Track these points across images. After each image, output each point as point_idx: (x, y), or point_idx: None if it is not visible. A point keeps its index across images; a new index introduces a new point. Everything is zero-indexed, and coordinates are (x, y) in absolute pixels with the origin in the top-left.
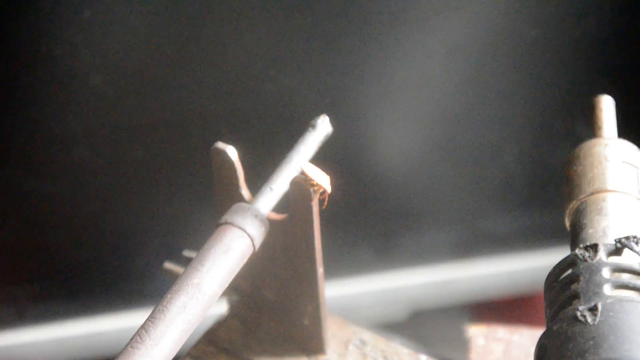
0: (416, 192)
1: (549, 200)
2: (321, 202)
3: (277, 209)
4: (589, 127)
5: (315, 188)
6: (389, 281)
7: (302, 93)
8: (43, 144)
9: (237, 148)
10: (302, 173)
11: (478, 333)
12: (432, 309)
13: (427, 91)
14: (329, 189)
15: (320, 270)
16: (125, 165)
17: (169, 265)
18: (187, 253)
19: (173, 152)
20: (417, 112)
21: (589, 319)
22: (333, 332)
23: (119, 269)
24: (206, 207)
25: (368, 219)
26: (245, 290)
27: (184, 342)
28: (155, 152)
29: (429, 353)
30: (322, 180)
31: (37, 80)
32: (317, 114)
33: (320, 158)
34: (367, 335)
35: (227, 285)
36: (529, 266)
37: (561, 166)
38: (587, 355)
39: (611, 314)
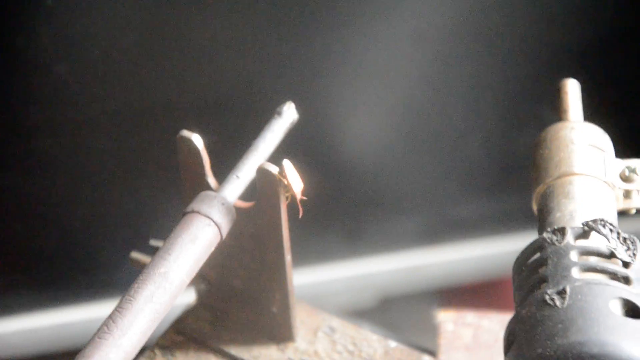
0: (383, 179)
1: (515, 185)
2: (295, 209)
3: (244, 197)
4: (554, 112)
5: (286, 187)
6: (358, 268)
7: (267, 81)
8: (5, 135)
9: (202, 136)
10: (280, 168)
11: (447, 318)
12: (400, 296)
13: (393, 79)
14: (297, 195)
15: (287, 257)
16: (89, 155)
17: (135, 254)
18: (153, 242)
19: (137, 141)
20: (384, 100)
21: (558, 303)
22: (302, 319)
23: (85, 259)
24: (172, 196)
25: (336, 206)
26: (213, 279)
27: (152, 331)
28: (119, 141)
29: (398, 339)
30: (295, 183)
31: None
32: (283, 101)
33: (287, 146)
34: (336, 322)
35: (194, 274)
36: (497, 251)
37: (527, 151)
38: (556, 338)
39: (579, 297)
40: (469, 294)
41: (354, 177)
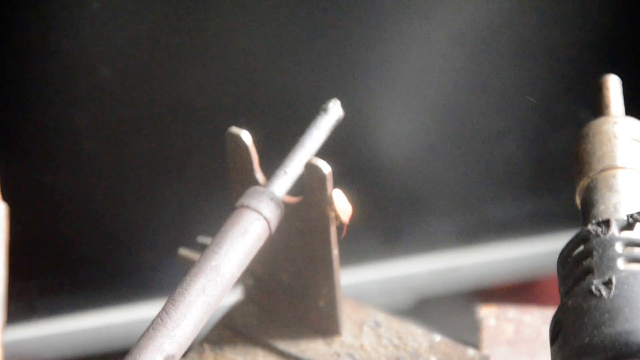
0: (421, 179)
1: (552, 184)
2: (339, 229)
3: (290, 192)
4: (591, 111)
5: (334, 214)
6: (395, 269)
7: (309, 81)
8: (52, 137)
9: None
10: (330, 197)
11: (489, 314)
12: (437, 297)
13: (430, 79)
14: (345, 220)
15: (335, 251)
16: (134, 157)
17: (183, 251)
18: (201, 239)
19: (181, 142)
20: (421, 100)
21: (604, 293)
22: (347, 314)
23: (129, 260)
24: (215, 195)
25: (373, 207)
26: (260, 274)
27: (204, 323)
28: (163, 143)
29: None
30: (344, 209)
31: (45, 74)
32: (324, 100)
33: (325, 144)
34: (381, 317)
35: (244, 268)
36: (534, 251)
37: (564, 151)
38: (603, 328)
39: (625, 287)
40: (506, 295)
41: (391, 177)
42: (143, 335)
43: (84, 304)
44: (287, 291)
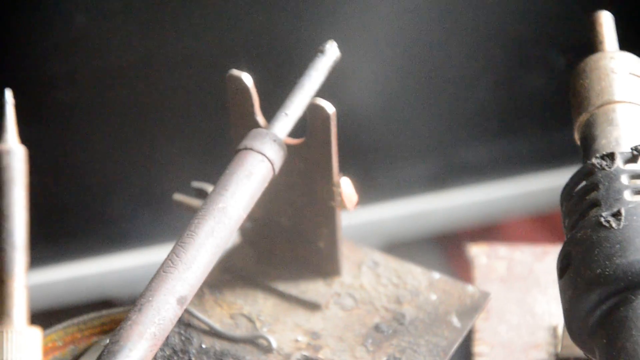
0: (392, 125)
1: (522, 127)
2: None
3: (291, 134)
4: (562, 55)
5: (339, 199)
6: (367, 215)
7: (292, 27)
8: (26, 86)
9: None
10: (337, 183)
11: (480, 252)
12: (409, 241)
13: (402, 24)
14: (351, 208)
15: (337, 191)
16: (110, 107)
17: (178, 196)
18: (195, 184)
19: (157, 92)
20: (391, 46)
21: (614, 224)
22: (345, 255)
23: (105, 212)
24: (188, 144)
25: (345, 154)
26: (259, 217)
27: (213, 265)
28: (139, 92)
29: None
30: (350, 198)
31: (19, 22)
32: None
33: (276, 93)
34: (379, 257)
35: (250, 209)
36: (504, 194)
37: (534, 93)
38: (614, 258)
39: (635, 217)
40: (476, 237)
41: (362, 124)
42: (154, 277)
43: (60, 255)
44: (286, 233)
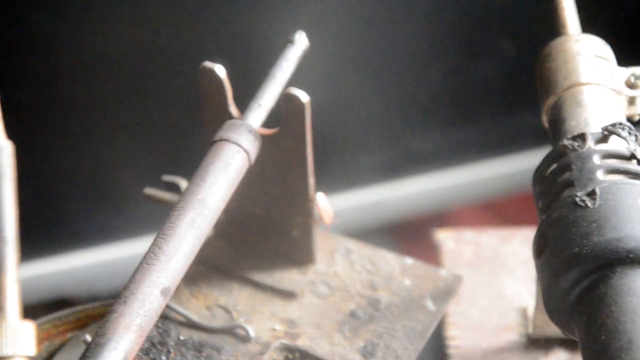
0: (345, 116)
1: (475, 114)
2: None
3: (263, 125)
4: (513, 42)
5: (317, 215)
6: None
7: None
8: None
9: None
10: (313, 199)
11: (446, 237)
12: (364, 231)
13: (353, 11)
14: (328, 222)
15: (311, 180)
16: (69, 103)
17: (150, 190)
18: (167, 178)
19: (117, 88)
20: (343, 35)
21: (589, 203)
22: (317, 243)
23: (61, 210)
24: (145, 142)
25: None
26: (232, 208)
27: (194, 256)
28: (94, 90)
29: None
30: (327, 213)
31: None
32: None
33: (249, 86)
34: (351, 244)
35: (228, 200)
36: (456, 181)
37: (486, 80)
38: (592, 237)
39: (610, 196)
40: (435, 224)
41: (315, 116)
42: (137, 270)
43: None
44: (260, 224)
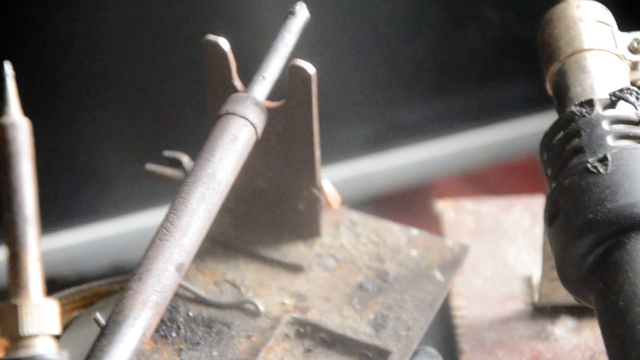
0: (329, 88)
1: (460, 85)
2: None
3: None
4: (499, 11)
5: (324, 201)
6: None
7: None
8: None
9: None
10: (320, 187)
11: (447, 207)
12: (351, 204)
13: None
14: (336, 208)
15: (317, 152)
16: (54, 81)
17: (151, 166)
18: (168, 153)
19: (105, 64)
20: (325, 3)
21: (601, 169)
22: (322, 215)
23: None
24: (130, 121)
25: None
26: (236, 183)
27: (206, 231)
28: (88, 63)
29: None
30: (334, 198)
31: None
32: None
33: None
34: (356, 216)
35: (237, 173)
36: (444, 152)
37: (470, 51)
38: (605, 203)
39: (622, 162)
40: (420, 196)
41: None
42: (150, 246)
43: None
44: (264, 197)
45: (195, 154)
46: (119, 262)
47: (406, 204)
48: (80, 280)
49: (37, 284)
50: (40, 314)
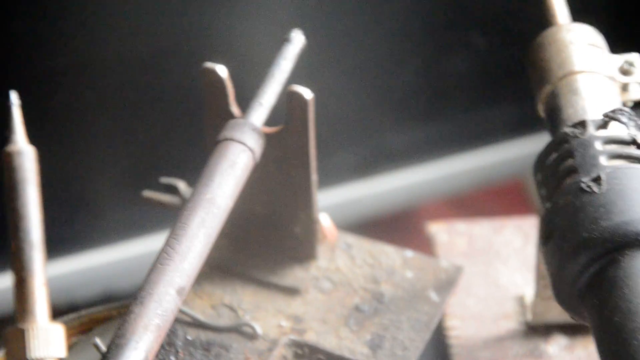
0: (318, 113)
1: (448, 109)
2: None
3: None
4: (485, 37)
5: (322, 234)
6: None
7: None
8: None
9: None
10: (317, 220)
11: (439, 230)
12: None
13: (326, 10)
14: (333, 241)
15: (314, 176)
16: (45, 110)
17: (148, 193)
18: (164, 180)
19: (98, 93)
20: (316, 29)
21: (595, 189)
22: (318, 239)
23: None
24: (121, 149)
25: None
26: (233, 207)
27: (206, 255)
28: (81, 92)
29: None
30: (331, 232)
31: None
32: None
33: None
34: (351, 239)
35: (235, 198)
36: (431, 176)
37: (458, 75)
38: (600, 222)
39: (615, 181)
40: (406, 221)
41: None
42: (152, 270)
43: None
44: (261, 221)
45: (188, 181)
46: (110, 290)
47: (396, 227)
48: (71, 308)
49: (44, 308)
50: (47, 338)
